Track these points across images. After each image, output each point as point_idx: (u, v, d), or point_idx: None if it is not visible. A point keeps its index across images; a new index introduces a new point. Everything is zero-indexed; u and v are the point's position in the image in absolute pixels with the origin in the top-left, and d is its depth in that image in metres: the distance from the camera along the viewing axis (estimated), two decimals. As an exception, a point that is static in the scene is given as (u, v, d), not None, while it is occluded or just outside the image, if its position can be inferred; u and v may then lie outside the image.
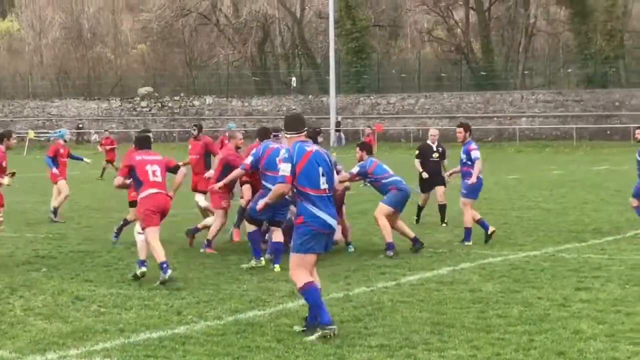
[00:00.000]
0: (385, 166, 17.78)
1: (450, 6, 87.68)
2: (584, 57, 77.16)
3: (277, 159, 14.94)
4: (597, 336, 10.64)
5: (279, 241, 15.72)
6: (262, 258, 15.74)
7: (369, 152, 18.12)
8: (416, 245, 17.50)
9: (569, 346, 10.19)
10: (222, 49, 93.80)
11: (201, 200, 20.44)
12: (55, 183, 24.29)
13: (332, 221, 10.81)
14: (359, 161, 17.95)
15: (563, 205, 26.61)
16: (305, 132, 11.12)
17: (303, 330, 10.95)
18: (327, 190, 10.82)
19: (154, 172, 14.57)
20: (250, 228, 15.91)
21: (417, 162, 22.64)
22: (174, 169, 15.13)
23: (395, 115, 76.90)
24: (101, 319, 11.83)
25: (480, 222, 18.63)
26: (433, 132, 23.28)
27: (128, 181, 15.11)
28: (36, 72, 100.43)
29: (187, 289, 13.80)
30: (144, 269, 14.44)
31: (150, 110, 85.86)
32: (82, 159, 26.73)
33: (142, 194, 14.53)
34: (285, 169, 10.67)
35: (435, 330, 11.01)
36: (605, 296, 13.06)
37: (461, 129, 19.21)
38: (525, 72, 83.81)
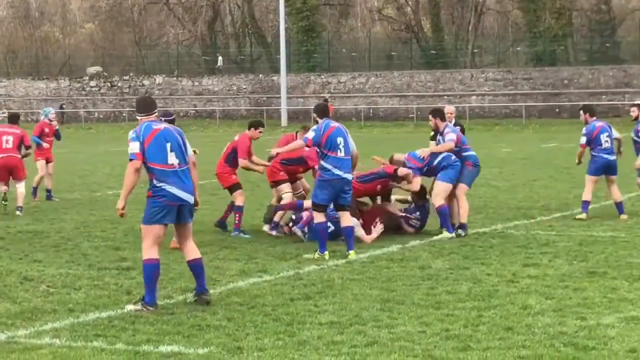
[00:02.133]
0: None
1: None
2: (533, 36, 77.69)
3: (338, 138, 14.81)
4: (545, 311, 10.74)
5: (348, 225, 15.00)
6: (326, 252, 14.71)
7: (443, 119, 17.64)
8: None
9: (517, 321, 10.28)
10: (171, 28, 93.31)
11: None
12: (35, 161, 23.92)
13: (182, 194, 11.17)
14: (435, 128, 17.67)
15: (512, 182, 26.81)
16: (156, 113, 11.55)
17: (195, 300, 11.32)
18: (175, 164, 11.18)
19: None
20: (318, 218, 14.86)
21: (432, 144, 19.41)
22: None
23: (346, 94, 76.98)
24: (50, 299, 11.75)
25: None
26: (448, 109, 20.13)
27: None
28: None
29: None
30: None
31: (99, 90, 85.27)
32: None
33: None
34: (133, 147, 11.09)
35: (385, 307, 11.06)
36: (553, 272, 13.19)
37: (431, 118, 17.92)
38: (475, 50, 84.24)
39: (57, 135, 24.63)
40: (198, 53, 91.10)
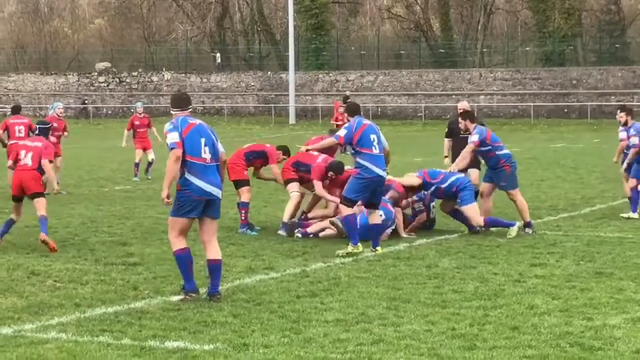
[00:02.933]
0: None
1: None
2: (542, 36, 77.50)
3: (371, 135, 14.87)
4: (551, 311, 10.73)
5: (376, 223, 15.06)
6: (359, 244, 14.70)
7: (473, 120, 17.63)
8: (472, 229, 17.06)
9: (523, 321, 10.27)
10: (180, 25, 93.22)
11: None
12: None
13: (210, 189, 11.35)
14: (466, 131, 17.60)
15: (519, 182, 26.70)
16: (190, 109, 11.82)
17: (182, 299, 11.37)
18: (208, 160, 11.43)
19: None
20: (347, 211, 14.89)
21: (446, 142, 19.77)
22: None
23: (355, 93, 76.89)
24: (57, 294, 11.77)
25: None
26: (462, 105, 19.53)
27: None
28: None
29: (143, 264, 13.77)
30: None
31: (108, 86, 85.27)
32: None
33: None
34: (173, 137, 11.34)
35: (391, 306, 11.06)
36: (559, 272, 13.18)
37: (461, 120, 17.87)
38: (484, 50, 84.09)
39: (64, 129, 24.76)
40: (207, 50, 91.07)
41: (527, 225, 17.09)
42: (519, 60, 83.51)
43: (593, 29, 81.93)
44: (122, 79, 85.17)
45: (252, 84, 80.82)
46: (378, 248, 14.84)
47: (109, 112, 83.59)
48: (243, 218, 17.23)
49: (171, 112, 11.76)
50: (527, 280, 12.56)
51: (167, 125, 11.51)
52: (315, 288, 12.08)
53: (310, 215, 17.51)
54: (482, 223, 16.76)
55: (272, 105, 76.52)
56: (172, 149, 11.34)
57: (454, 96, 73.17)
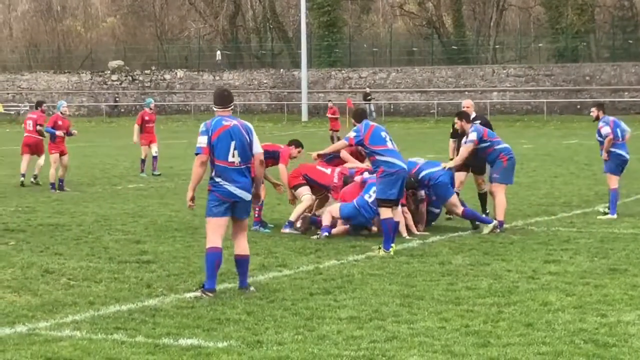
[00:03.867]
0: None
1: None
2: (555, 32, 77.37)
3: (382, 132, 14.97)
4: (565, 308, 10.71)
5: (396, 220, 14.99)
6: (391, 249, 14.54)
7: (468, 120, 17.56)
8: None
9: (537, 318, 10.26)
10: (193, 23, 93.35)
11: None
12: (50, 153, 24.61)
13: (237, 191, 11.52)
14: (461, 131, 17.54)
15: (533, 179, 26.74)
16: (232, 107, 11.91)
17: (198, 297, 11.41)
18: (236, 163, 11.55)
19: None
20: (385, 214, 14.62)
21: (451, 142, 19.29)
22: None
23: (365, 89, 76.80)
24: (71, 292, 11.79)
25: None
26: (466, 103, 19.21)
27: None
28: (5, 45, 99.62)
29: (157, 262, 13.78)
30: None
31: (121, 84, 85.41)
32: (72, 134, 25.70)
33: None
34: (201, 141, 11.54)
35: (404, 303, 11.05)
36: (573, 269, 13.15)
37: (457, 121, 17.90)
38: (497, 46, 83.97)
39: (68, 133, 24.94)
40: (219, 47, 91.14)
41: (498, 224, 16.79)
42: (532, 57, 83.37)
43: (606, 25, 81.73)
44: (135, 77, 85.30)
45: (265, 81, 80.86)
46: (393, 245, 14.70)
47: (122, 110, 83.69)
48: (257, 215, 17.24)
49: (213, 109, 11.95)
50: (540, 277, 12.54)
51: (201, 126, 11.71)
52: (328, 285, 12.08)
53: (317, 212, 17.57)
54: (459, 212, 16.72)
55: (285, 102, 76.56)
56: (197, 154, 11.57)
57: (466, 93, 73.10)
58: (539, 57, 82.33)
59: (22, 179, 25.54)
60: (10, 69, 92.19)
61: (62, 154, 24.57)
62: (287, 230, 16.83)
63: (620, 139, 18.99)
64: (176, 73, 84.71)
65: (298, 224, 16.98)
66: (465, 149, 17.14)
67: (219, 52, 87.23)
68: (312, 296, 11.45)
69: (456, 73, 76.27)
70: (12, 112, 79.28)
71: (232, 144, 11.52)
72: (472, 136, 17.08)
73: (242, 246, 11.79)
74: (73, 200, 22.07)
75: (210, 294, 11.39)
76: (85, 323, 10.19)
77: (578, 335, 9.51)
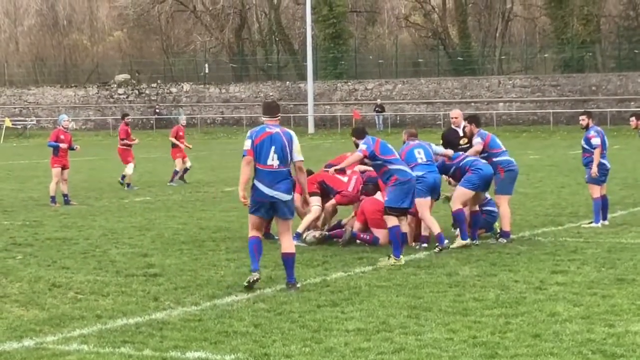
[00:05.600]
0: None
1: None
2: (561, 42, 77.38)
3: (388, 144, 15.30)
4: (572, 318, 10.69)
5: (403, 231, 15.15)
6: (401, 257, 14.62)
7: (478, 125, 17.51)
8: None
9: (545, 329, 10.24)
10: (199, 36, 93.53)
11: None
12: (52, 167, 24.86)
13: (272, 192, 12.55)
14: (471, 135, 17.45)
15: (540, 189, 26.71)
16: (279, 117, 13.01)
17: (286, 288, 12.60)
18: (275, 166, 12.60)
19: None
20: (392, 222, 14.75)
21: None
22: None
23: (373, 101, 76.89)
24: (78, 306, 11.80)
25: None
26: (454, 113, 18.43)
27: None
28: (12, 60, 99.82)
29: (164, 275, 13.79)
30: None
31: (127, 98, 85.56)
32: (74, 148, 25.96)
33: None
34: (246, 145, 12.70)
35: (412, 314, 11.04)
36: (581, 279, 13.12)
37: (467, 124, 17.76)
38: (502, 57, 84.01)
39: (70, 147, 25.07)
40: (225, 60, 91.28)
41: (502, 234, 16.75)
42: (538, 67, 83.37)
43: (612, 35, 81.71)
44: (142, 91, 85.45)
45: (271, 94, 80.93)
46: (401, 257, 14.74)
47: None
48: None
49: (262, 118, 13.06)
50: (548, 288, 12.52)
51: (248, 133, 12.85)
52: (335, 297, 12.07)
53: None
54: (453, 208, 16.42)
55: (291, 115, 76.61)
56: (243, 155, 12.72)
57: (472, 104, 73.15)
58: (545, 67, 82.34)
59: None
60: (17, 84, 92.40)
61: (63, 167, 24.71)
62: (294, 242, 16.79)
63: (605, 150, 19.16)
64: (182, 86, 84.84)
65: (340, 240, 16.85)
66: (473, 151, 17.05)
67: (206, 65, 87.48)
68: (319, 308, 11.45)
69: (462, 84, 76.31)
70: (19, 127, 79.42)
71: (272, 148, 12.60)
72: (478, 139, 17.09)
73: (287, 244, 12.74)
74: (80, 214, 22.09)
75: (255, 274, 12.61)
76: (93, 337, 10.19)
77: (586, 346, 9.49)
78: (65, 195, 24.53)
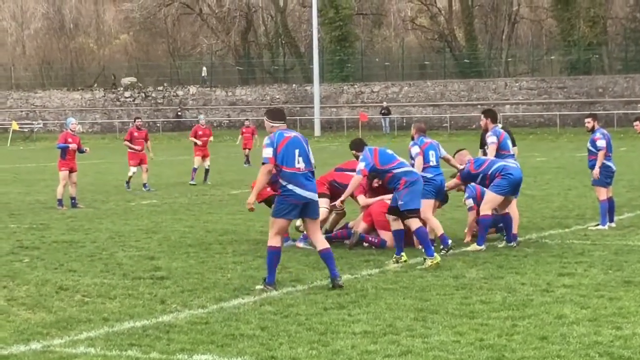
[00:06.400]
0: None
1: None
2: (567, 44, 77.31)
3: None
4: (580, 321, 10.68)
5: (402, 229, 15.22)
6: (436, 254, 14.62)
7: (494, 120, 17.50)
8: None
9: (552, 331, 10.23)
10: (205, 39, 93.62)
11: None
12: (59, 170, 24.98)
13: (307, 193, 12.74)
14: (484, 129, 17.51)
15: (547, 191, 26.68)
16: (285, 123, 13.11)
17: (332, 286, 12.69)
18: (302, 168, 12.76)
19: None
20: (416, 224, 14.86)
21: (480, 154, 18.64)
22: None
23: (380, 104, 76.90)
24: (85, 309, 11.81)
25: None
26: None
27: None
28: (19, 63, 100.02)
29: (171, 278, 13.79)
30: None
31: (133, 101, 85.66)
32: (83, 151, 25.92)
33: None
34: (267, 152, 12.70)
35: (419, 317, 11.03)
36: (588, 281, 13.10)
37: (483, 118, 17.87)
38: (509, 59, 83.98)
39: (79, 149, 25.13)
40: (231, 63, 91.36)
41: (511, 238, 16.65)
42: (544, 69, 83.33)
43: (618, 37, 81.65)
44: (148, 94, 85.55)
45: (277, 96, 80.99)
46: (402, 254, 14.92)
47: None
48: None
49: (270, 124, 13.01)
50: (555, 290, 12.50)
51: (265, 140, 12.83)
52: (342, 300, 12.07)
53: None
54: (481, 212, 16.33)
55: (298, 117, 76.63)
56: (264, 163, 12.74)
57: (479, 106, 73.00)
58: (552, 69, 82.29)
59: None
60: (24, 87, 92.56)
61: (71, 170, 24.69)
62: (301, 245, 16.84)
63: (611, 152, 19.13)
64: (189, 89, 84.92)
65: (346, 241, 16.83)
66: (491, 151, 17.00)
67: (204, 68, 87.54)
68: (326, 311, 11.44)
69: (468, 86, 76.30)
70: (26, 130, 79.54)
71: (297, 151, 12.77)
72: (492, 138, 17.08)
73: (320, 241, 12.93)
74: (87, 217, 22.12)
75: (270, 287, 12.60)
76: (100, 340, 10.20)
77: (593, 348, 9.47)
78: (72, 198, 24.53)
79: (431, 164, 16.15)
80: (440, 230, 15.89)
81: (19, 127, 74.00)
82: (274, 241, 12.78)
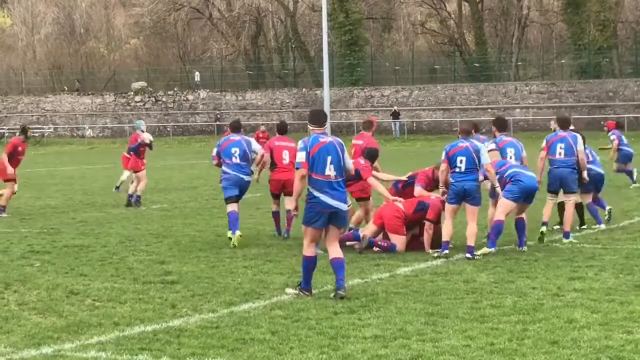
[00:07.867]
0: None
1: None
2: (578, 48, 77.21)
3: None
4: (590, 325, 10.66)
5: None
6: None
7: (500, 129, 17.77)
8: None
9: (563, 335, 10.21)
10: (215, 43, 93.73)
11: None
12: (137, 171, 26.32)
13: (334, 202, 12.43)
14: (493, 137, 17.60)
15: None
16: (326, 126, 12.96)
17: (333, 295, 12.48)
18: (332, 176, 12.47)
19: None
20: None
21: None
22: None
23: (390, 108, 76.89)
24: (96, 313, 11.83)
25: None
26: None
27: None
28: (29, 68, 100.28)
29: (181, 283, 13.81)
30: None
31: (144, 105, 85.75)
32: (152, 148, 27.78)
33: None
34: (300, 157, 12.53)
35: (429, 321, 11.03)
36: (598, 285, 13.08)
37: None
38: (519, 63, 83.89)
39: (149, 145, 26.95)
40: (242, 68, 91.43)
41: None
42: (555, 73, 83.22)
43: (629, 41, 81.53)
44: (158, 98, 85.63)
45: (287, 101, 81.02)
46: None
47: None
48: (288, 224, 18.19)
49: (309, 127, 12.86)
50: (565, 294, 12.49)
51: (299, 144, 12.72)
52: (352, 304, 12.07)
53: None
54: (495, 217, 16.27)
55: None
56: (297, 168, 12.66)
57: (489, 110, 73.03)
58: (562, 73, 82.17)
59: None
60: (34, 91, 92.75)
61: (137, 170, 26.27)
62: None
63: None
64: (199, 94, 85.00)
65: (356, 245, 16.81)
66: (493, 158, 16.94)
67: (197, 73, 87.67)
68: (336, 315, 11.44)
69: (479, 90, 76.21)
70: (37, 135, 79.69)
71: (329, 158, 12.48)
72: (492, 145, 17.28)
73: (335, 250, 12.61)
74: (97, 222, 22.15)
75: (307, 293, 12.55)
76: (110, 344, 10.22)
77: (604, 353, 9.46)
78: (138, 196, 25.77)
79: (456, 170, 16.02)
80: (446, 237, 15.93)
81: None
82: (308, 251, 12.55)
